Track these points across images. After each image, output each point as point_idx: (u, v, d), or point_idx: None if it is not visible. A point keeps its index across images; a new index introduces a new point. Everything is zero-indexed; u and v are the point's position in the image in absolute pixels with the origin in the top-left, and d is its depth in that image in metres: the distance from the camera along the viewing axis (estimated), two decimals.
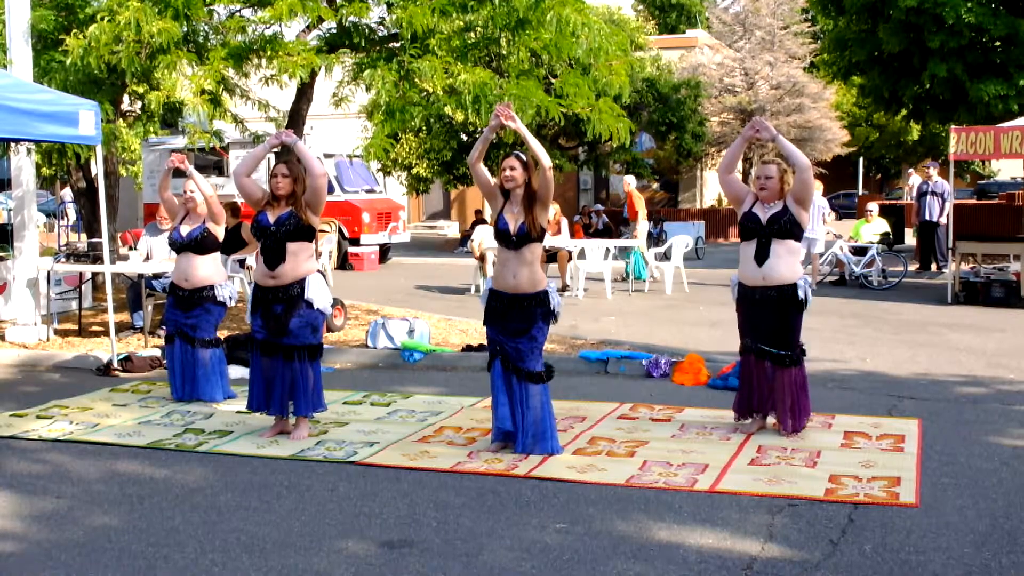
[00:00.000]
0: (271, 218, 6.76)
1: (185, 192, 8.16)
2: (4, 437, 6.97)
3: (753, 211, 6.74)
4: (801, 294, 6.66)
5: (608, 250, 15.80)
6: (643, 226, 17.42)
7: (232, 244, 12.07)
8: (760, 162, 7.15)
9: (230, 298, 8.23)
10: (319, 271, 6.91)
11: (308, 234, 6.79)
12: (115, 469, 6.21)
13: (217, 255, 8.25)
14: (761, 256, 6.67)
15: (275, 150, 6.98)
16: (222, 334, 10.47)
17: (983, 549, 4.74)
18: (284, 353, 6.78)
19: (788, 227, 6.63)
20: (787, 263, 6.66)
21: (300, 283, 6.73)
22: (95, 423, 7.36)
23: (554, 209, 16.24)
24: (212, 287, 8.10)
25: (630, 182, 18.10)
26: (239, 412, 7.57)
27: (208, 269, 8.12)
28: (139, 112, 13.64)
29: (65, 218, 23.36)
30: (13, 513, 5.38)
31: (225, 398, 8.15)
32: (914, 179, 29.58)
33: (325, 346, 10.11)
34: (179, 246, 8.14)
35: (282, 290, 6.73)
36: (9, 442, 6.87)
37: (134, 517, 5.29)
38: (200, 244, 8.09)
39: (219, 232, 8.19)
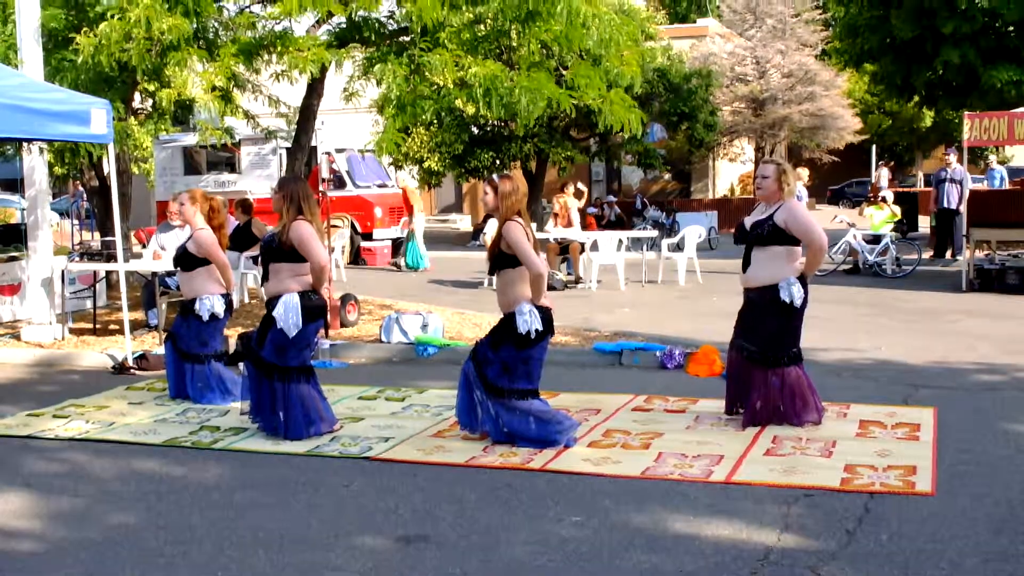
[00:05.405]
0: (267, 236, 6.97)
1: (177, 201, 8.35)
2: (21, 436, 7.01)
3: (746, 218, 6.88)
4: (784, 296, 6.55)
5: (621, 241, 15.78)
6: (419, 219, 19.44)
7: (244, 240, 12.08)
8: (762, 161, 7.14)
9: (208, 309, 7.96)
10: (300, 292, 6.72)
11: (288, 256, 6.71)
12: (132, 467, 6.24)
13: (208, 270, 8.05)
14: (744, 262, 6.78)
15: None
16: (236, 331, 10.54)
17: (1000, 536, 4.72)
18: (256, 363, 6.79)
19: (767, 235, 6.62)
20: (768, 267, 6.63)
21: (276, 300, 6.73)
22: (111, 422, 7.39)
23: (562, 201, 16.23)
24: (194, 300, 8.00)
25: (403, 179, 21.16)
26: None
27: (194, 283, 8.03)
28: (150, 110, 13.66)
29: (80, 215, 23.40)
30: (31, 512, 5.41)
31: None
32: (883, 171, 29.65)
33: (339, 342, 10.23)
34: (174, 260, 8.31)
35: (268, 303, 6.82)
36: (26, 442, 6.91)
37: (151, 515, 5.32)
38: (178, 260, 8.15)
39: (200, 249, 8.01)
